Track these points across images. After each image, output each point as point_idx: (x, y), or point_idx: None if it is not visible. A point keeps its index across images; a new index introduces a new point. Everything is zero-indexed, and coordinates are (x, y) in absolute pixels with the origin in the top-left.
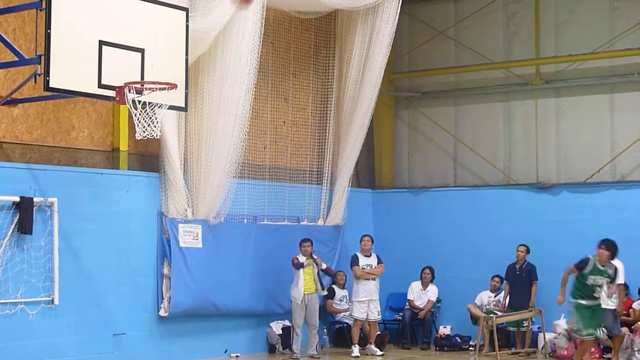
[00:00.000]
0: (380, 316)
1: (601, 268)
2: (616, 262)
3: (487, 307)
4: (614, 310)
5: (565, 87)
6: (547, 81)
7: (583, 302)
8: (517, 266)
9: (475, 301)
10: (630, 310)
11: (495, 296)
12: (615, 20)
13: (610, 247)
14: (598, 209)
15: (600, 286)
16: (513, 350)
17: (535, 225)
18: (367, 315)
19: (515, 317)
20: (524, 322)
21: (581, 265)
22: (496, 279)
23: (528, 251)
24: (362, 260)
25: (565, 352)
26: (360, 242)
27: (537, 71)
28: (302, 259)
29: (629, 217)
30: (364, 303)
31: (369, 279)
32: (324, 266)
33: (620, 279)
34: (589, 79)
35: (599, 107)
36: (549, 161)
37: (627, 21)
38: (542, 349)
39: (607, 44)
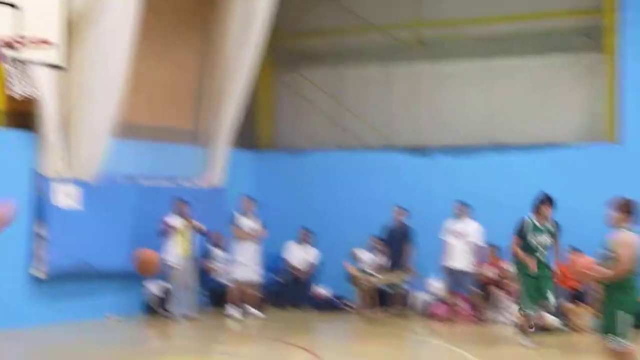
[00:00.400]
0: (260, 278)
1: (541, 227)
2: (472, 223)
3: (365, 267)
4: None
5: (444, 52)
6: (426, 45)
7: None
8: (394, 228)
9: (354, 261)
10: (503, 269)
11: (374, 257)
12: None
13: (553, 202)
14: (474, 172)
15: (545, 247)
16: (389, 310)
17: (414, 188)
18: (247, 277)
19: (391, 277)
20: (400, 282)
21: (520, 231)
22: (375, 239)
23: (405, 213)
24: (243, 222)
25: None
26: (241, 203)
27: (417, 35)
28: (174, 221)
29: (506, 180)
30: (244, 265)
31: (249, 241)
32: (204, 229)
33: (477, 239)
34: (468, 45)
35: (476, 72)
36: (427, 125)
37: None
38: (416, 308)
39: (484, 10)
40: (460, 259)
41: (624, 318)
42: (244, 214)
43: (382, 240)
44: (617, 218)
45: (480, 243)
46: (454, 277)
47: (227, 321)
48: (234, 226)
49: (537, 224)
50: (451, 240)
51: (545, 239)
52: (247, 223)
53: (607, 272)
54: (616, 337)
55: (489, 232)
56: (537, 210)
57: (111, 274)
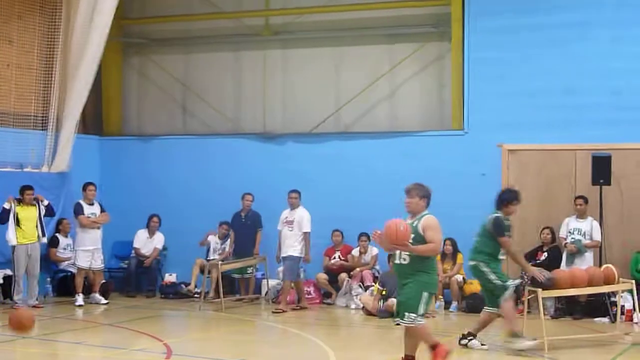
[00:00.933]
0: (104, 265)
1: (508, 222)
2: (302, 211)
3: (213, 254)
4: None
5: (293, 39)
6: (275, 33)
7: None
8: (243, 214)
9: (208, 245)
10: (349, 256)
11: (222, 244)
12: None
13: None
14: (322, 159)
15: None
16: (237, 296)
17: (262, 174)
18: (91, 264)
19: (239, 264)
20: (248, 269)
21: (505, 229)
22: (224, 226)
23: (253, 200)
24: (87, 209)
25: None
26: (83, 190)
27: (266, 22)
28: (7, 205)
29: (352, 166)
30: (88, 252)
31: (93, 228)
32: (46, 202)
33: (306, 227)
34: (317, 32)
35: (325, 60)
36: (275, 111)
37: None
38: (265, 294)
39: None
40: (292, 246)
41: (427, 297)
42: (87, 199)
43: (230, 226)
44: (421, 204)
45: (309, 230)
46: (288, 264)
47: (71, 309)
48: (76, 213)
49: (508, 222)
50: (284, 229)
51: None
52: (91, 210)
53: (417, 248)
54: (417, 315)
55: (336, 218)
56: (505, 206)
57: None
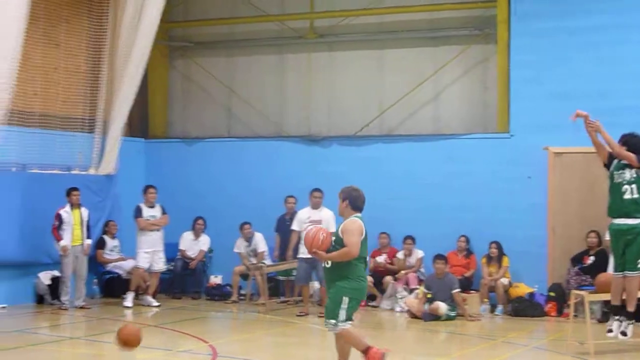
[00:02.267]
0: (165, 266)
1: None
2: (327, 211)
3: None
4: None
5: (338, 42)
6: (320, 35)
7: None
8: (287, 217)
9: (237, 250)
10: (395, 259)
11: (249, 245)
12: None
13: None
14: (366, 162)
15: None
16: (282, 298)
17: (305, 177)
18: (151, 265)
19: (284, 266)
20: (293, 271)
21: None
22: (246, 226)
23: (296, 202)
24: (146, 212)
25: None
26: (144, 193)
27: (310, 25)
28: (65, 216)
29: (396, 169)
30: (148, 253)
31: (153, 230)
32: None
33: (333, 228)
34: (361, 35)
35: (369, 62)
36: (319, 114)
37: None
38: (310, 297)
39: (378, 1)
40: None
41: (348, 302)
42: (147, 202)
43: (275, 230)
44: (343, 206)
45: (334, 230)
46: (313, 267)
47: (118, 310)
48: (136, 216)
49: None
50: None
51: None
52: (151, 212)
53: (333, 254)
54: (337, 322)
55: (380, 221)
56: None
57: (1, 263)
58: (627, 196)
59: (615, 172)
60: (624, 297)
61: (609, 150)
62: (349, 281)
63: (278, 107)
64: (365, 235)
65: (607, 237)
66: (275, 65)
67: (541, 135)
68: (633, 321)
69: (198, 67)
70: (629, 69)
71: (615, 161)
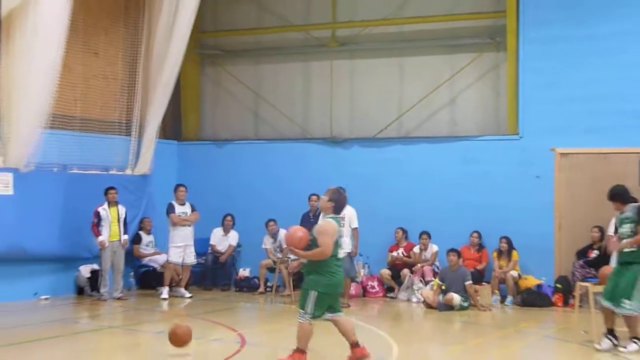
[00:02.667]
0: (196, 260)
1: None
2: (349, 208)
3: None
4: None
5: (359, 50)
6: (342, 44)
7: None
8: (311, 214)
9: (264, 246)
10: (411, 252)
11: (274, 242)
12: None
13: None
14: (385, 162)
15: None
16: None
17: (328, 176)
18: (183, 259)
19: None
20: None
21: None
22: (270, 223)
23: (319, 200)
24: (178, 209)
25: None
26: (175, 191)
27: (333, 34)
28: (103, 213)
29: (413, 169)
30: (179, 248)
31: (184, 225)
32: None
33: (355, 224)
34: (380, 43)
35: (388, 69)
36: (342, 118)
37: None
38: None
39: (396, 11)
40: (346, 243)
41: (316, 297)
42: (178, 200)
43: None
44: (327, 206)
45: (357, 225)
46: (347, 261)
47: (154, 301)
48: (168, 212)
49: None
50: None
51: None
52: (182, 209)
53: (308, 253)
54: (305, 312)
55: (398, 217)
56: None
57: (43, 257)
58: None
59: None
60: None
61: None
62: (320, 276)
63: (303, 111)
64: (339, 234)
65: (611, 231)
66: (300, 72)
67: (549, 137)
68: None
69: (227, 74)
70: (637, 73)
71: None
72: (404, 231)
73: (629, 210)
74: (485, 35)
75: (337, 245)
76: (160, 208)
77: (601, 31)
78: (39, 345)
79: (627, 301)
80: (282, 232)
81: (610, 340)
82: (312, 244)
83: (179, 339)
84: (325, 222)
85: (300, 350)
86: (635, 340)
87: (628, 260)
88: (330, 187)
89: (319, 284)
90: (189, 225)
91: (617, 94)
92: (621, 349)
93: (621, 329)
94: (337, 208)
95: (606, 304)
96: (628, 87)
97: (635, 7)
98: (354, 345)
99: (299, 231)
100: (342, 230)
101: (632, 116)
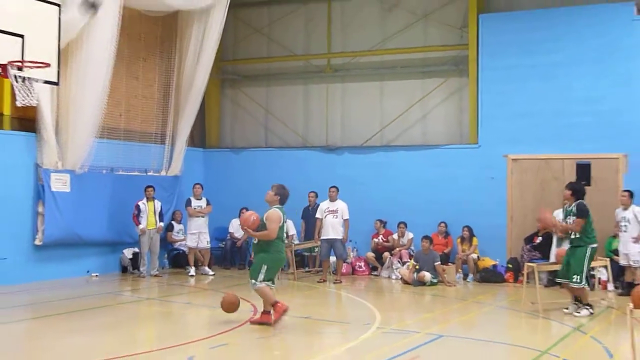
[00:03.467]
0: (209, 245)
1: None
2: (341, 202)
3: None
4: (342, 239)
5: (349, 75)
6: (335, 70)
7: None
8: (310, 208)
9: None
10: (390, 238)
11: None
12: (385, 27)
13: None
14: (370, 166)
15: None
16: (307, 269)
17: (324, 177)
18: (198, 244)
19: (308, 245)
20: (315, 248)
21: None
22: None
23: (317, 196)
24: (194, 202)
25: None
26: (193, 188)
27: (328, 63)
28: (142, 206)
29: (392, 172)
30: (194, 235)
31: (199, 216)
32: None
33: (346, 215)
34: (366, 70)
35: (372, 90)
36: (335, 130)
37: (394, 27)
38: (328, 268)
39: (379, 44)
40: (335, 231)
41: (266, 269)
42: (195, 196)
43: (301, 217)
44: (273, 199)
45: (348, 217)
46: (331, 245)
47: (183, 277)
48: (186, 206)
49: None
50: (327, 217)
51: None
52: (197, 203)
53: (258, 233)
54: (257, 281)
55: (381, 210)
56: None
57: (94, 241)
58: None
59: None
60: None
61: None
62: (268, 254)
63: (303, 124)
64: (283, 221)
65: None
66: (301, 93)
67: (502, 145)
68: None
69: (243, 94)
70: (575, 94)
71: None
72: (382, 222)
73: (574, 206)
74: (451, 63)
75: (282, 229)
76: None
77: (541, 61)
78: (91, 313)
79: (576, 277)
80: (288, 222)
81: (577, 305)
82: (262, 227)
83: (228, 304)
84: (272, 211)
85: (274, 303)
86: (587, 307)
87: (575, 244)
88: (274, 183)
89: (267, 260)
90: (203, 216)
91: (555, 110)
92: (576, 314)
93: (567, 300)
94: (282, 200)
95: (562, 280)
96: (563, 105)
97: (566, 42)
98: (274, 304)
99: (253, 215)
100: (286, 218)
101: (566, 129)
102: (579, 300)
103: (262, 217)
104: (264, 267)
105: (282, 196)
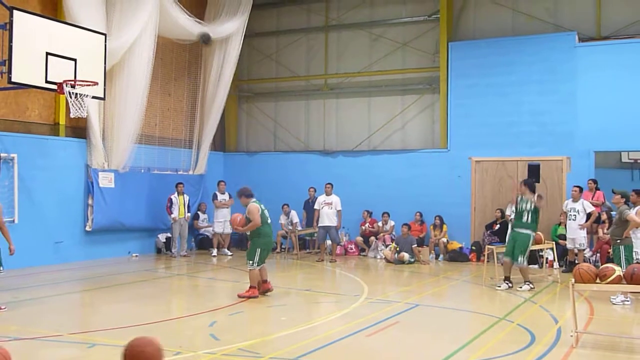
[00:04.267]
0: (231, 231)
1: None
2: (335, 196)
3: (292, 224)
4: (336, 226)
5: (342, 93)
6: (331, 88)
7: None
8: (310, 200)
9: (280, 221)
10: (375, 225)
11: (287, 218)
12: (372, 53)
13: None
14: (359, 167)
15: None
16: (308, 250)
17: (322, 175)
18: (223, 230)
19: (308, 231)
20: (314, 234)
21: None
22: (285, 207)
23: (315, 191)
24: (220, 196)
25: (338, 252)
26: (218, 185)
27: (325, 82)
28: (174, 199)
29: (378, 171)
30: (220, 222)
31: (223, 207)
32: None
33: (339, 207)
34: (356, 88)
35: (361, 105)
36: (331, 137)
37: (379, 54)
38: (325, 249)
39: (367, 67)
40: (330, 219)
41: (259, 252)
42: (220, 191)
43: (303, 208)
44: (244, 201)
45: (341, 208)
46: (327, 231)
47: (207, 258)
48: (213, 199)
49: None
50: (324, 208)
51: None
52: (222, 197)
53: (246, 227)
54: (253, 262)
55: (368, 202)
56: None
57: (134, 228)
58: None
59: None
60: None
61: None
62: (259, 238)
63: (305, 132)
64: (262, 209)
65: (508, 212)
66: (303, 107)
67: (467, 150)
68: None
69: (256, 108)
70: (525, 108)
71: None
72: (369, 212)
73: (528, 199)
74: (425, 83)
75: (263, 216)
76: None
77: (499, 81)
78: (132, 286)
79: (520, 258)
80: (293, 212)
81: (507, 284)
82: (248, 220)
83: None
84: (251, 205)
85: (253, 287)
86: (527, 283)
87: (521, 229)
88: (239, 190)
89: (259, 243)
90: (227, 207)
91: (508, 121)
92: (517, 288)
93: (515, 276)
94: (249, 194)
95: (506, 258)
96: (515, 117)
97: (517, 65)
98: (265, 282)
99: (238, 216)
100: (264, 206)
101: (517, 136)
102: (509, 278)
103: (245, 214)
104: (258, 250)
105: (247, 193)
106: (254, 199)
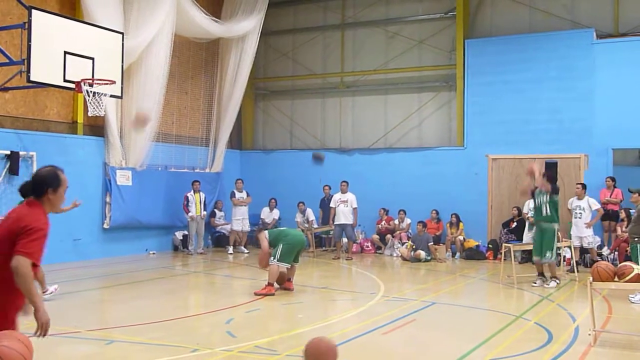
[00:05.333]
0: (249, 228)
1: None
2: (351, 194)
3: (309, 222)
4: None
5: (358, 90)
6: (347, 86)
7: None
8: (326, 198)
9: (296, 219)
10: (392, 222)
11: (303, 216)
12: (388, 51)
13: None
14: (376, 164)
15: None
16: (324, 248)
17: (338, 173)
18: (242, 227)
19: (324, 228)
20: (330, 231)
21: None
22: (300, 204)
23: (330, 189)
24: (237, 194)
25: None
26: (235, 183)
27: (341, 80)
28: (191, 197)
29: (394, 169)
30: (239, 220)
31: (241, 205)
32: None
33: (355, 204)
34: (372, 86)
35: (378, 103)
36: (347, 135)
37: (395, 51)
38: (341, 247)
39: (383, 65)
40: (345, 217)
41: (281, 247)
42: (238, 189)
43: (319, 206)
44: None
45: (356, 206)
46: (343, 229)
47: (223, 255)
48: (231, 197)
49: None
50: (340, 206)
51: None
52: (239, 195)
53: (263, 257)
54: (274, 258)
55: (384, 200)
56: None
57: (151, 225)
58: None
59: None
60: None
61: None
62: (284, 240)
63: (321, 130)
64: (274, 231)
65: (525, 210)
66: (320, 105)
67: (484, 147)
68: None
69: (272, 106)
70: (542, 105)
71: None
72: (385, 210)
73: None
74: (442, 80)
75: (275, 236)
76: (229, 194)
77: (516, 78)
78: (149, 283)
79: (548, 253)
80: (309, 210)
81: (542, 279)
82: (271, 244)
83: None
84: (260, 235)
85: (270, 284)
86: (554, 279)
87: (544, 222)
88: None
89: (283, 241)
90: (244, 205)
91: (525, 119)
92: (545, 285)
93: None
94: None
95: (536, 257)
96: (532, 115)
97: (534, 62)
98: (289, 280)
99: (265, 256)
100: (281, 228)
101: (534, 134)
102: (542, 274)
103: (262, 235)
104: (280, 246)
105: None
106: (265, 230)
